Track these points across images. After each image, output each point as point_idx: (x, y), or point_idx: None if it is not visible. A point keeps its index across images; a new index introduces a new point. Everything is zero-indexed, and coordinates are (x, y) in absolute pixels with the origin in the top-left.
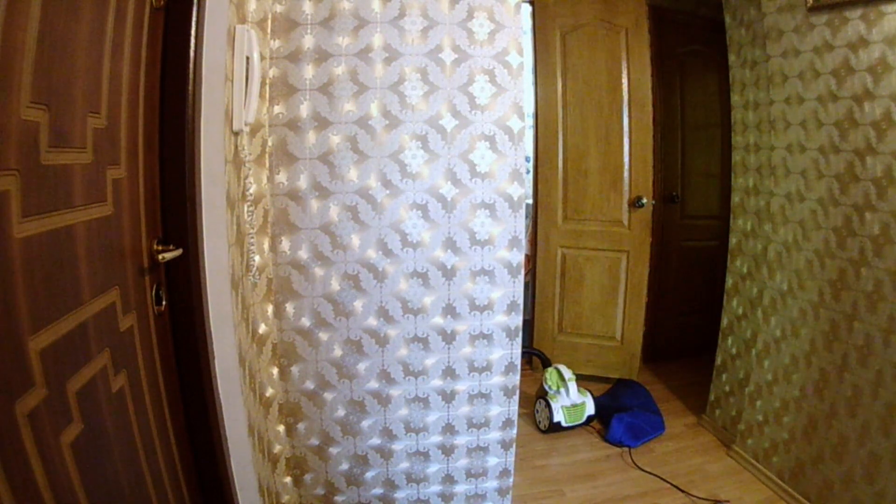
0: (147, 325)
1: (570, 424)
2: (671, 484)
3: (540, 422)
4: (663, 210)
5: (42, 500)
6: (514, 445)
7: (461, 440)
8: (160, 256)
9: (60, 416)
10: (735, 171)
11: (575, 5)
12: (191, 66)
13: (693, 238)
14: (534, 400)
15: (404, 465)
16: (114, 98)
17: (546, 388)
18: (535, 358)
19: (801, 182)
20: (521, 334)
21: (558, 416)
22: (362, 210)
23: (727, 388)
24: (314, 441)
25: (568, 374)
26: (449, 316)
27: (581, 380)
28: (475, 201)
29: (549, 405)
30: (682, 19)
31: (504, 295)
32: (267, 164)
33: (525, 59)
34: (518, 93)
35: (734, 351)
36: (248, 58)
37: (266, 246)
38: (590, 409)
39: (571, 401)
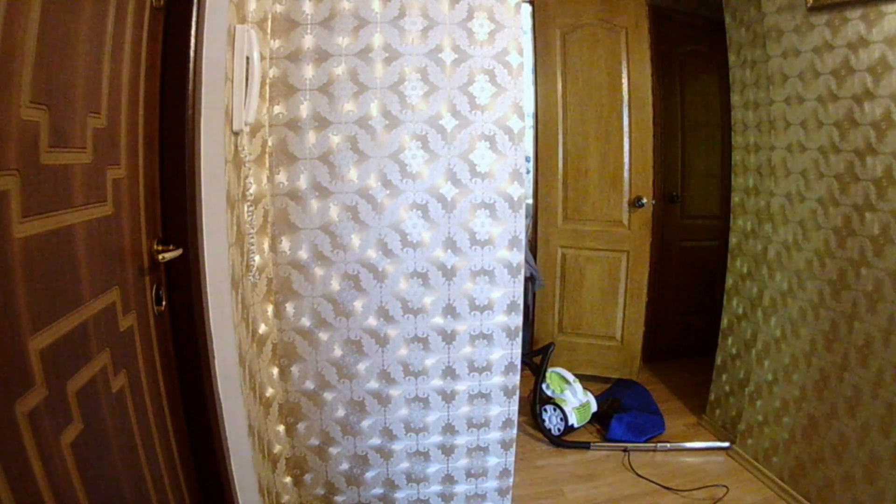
0: (147, 325)
1: (580, 424)
2: (664, 487)
3: (551, 428)
4: (663, 210)
5: (42, 500)
6: (514, 445)
7: (461, 440)
8: (160, 256)
9: (60, 416)
10: (735, 171)
11: (575, 5)
12: (191, 66)
13: (693, 238)
14: (531, 405)
15: (404, 465)
16: (114, 98)
17: (549, 393)
18: (533, 359)
19: (801, 182)
20: (521, 334)
21: (572, 419)
22: (362, 210)
23: (727, 388)
24: (314, 441)
25: (570, 375)
26: (449, 316)
27: (581, 380)
28: (475, 201)
29: (560, 409)
30: (682, 19)
31: (504, 295)
32: (267, 164)
33: (525, 59)
34: (518, 93)
35: (734, 351)
36: (248, 58)
37: (266, 246)
38: (594, 406)
39: (579, 400)
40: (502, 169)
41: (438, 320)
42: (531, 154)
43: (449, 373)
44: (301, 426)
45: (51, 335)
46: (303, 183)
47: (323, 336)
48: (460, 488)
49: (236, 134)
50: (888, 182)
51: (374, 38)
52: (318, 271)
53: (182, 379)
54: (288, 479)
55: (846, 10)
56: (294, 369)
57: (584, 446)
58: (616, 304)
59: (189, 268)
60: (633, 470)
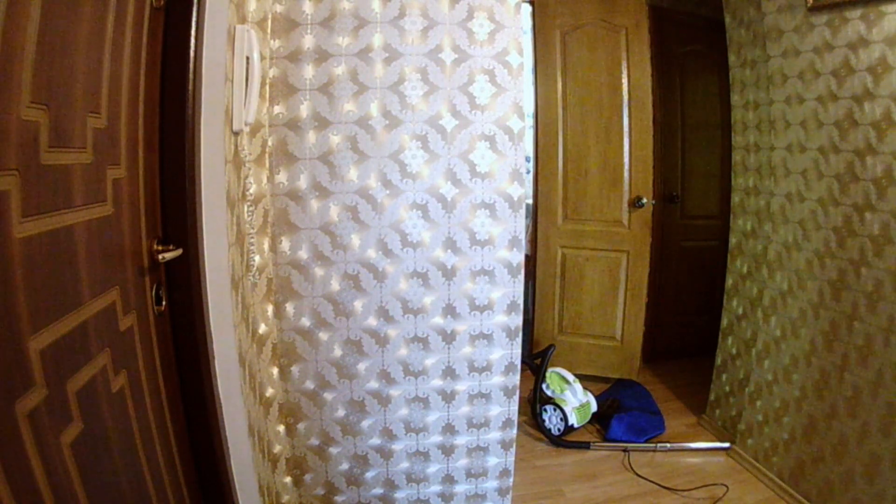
0: (147, 325)
1: (580, 424)
2: (664, 487)
3: (551, 428)
4: (663, 210)
5: (42, 500)
6: (514, 445)
7: (461, 440)
8: (160, 256)
9: (60, 415)
10: (735, 171)
11: (575, 5)
12: (191, 66)
13: (693, 238)
14: (531, 405)
15: (404, 465)
16: (114, 98)
17: (549, 393)
18: (535, 361)
19: (801, 182)
20: (521, 334)
21: (572, 419)
22: (362, 210)
23: (727, 388)
24: (314, 441)
25: (570, 376)
26: (449, 316)
27: (581, 380)
28: (475, 201)
29: (561, 409)
30: (682, 19)
31: (504, 295)
32: (267, 164)
33: (525, 59)
34: (518, 93)
35: (734, 351)
36: (248, 58)
37: (266, 246)
38: (594, 406)
39: (579, 400)
40: (502, 169)
41: (438, 320)
42: (531, 154)
43: (449, 373)
44: (301, 426)
45: (51, 335)
46: (303, 183)
47: (323, 336)
48: (460, 488)
49: (236, 134)
50: (888, 182)
51: (374, 38)
52: (318, 271)
53: (182, 379)
54: (288, 479)
55: (846, 10)
56: (294, 369)
57: (584, 446)
58: (616, 304)
59: (189, 268)
60: (633, 470)
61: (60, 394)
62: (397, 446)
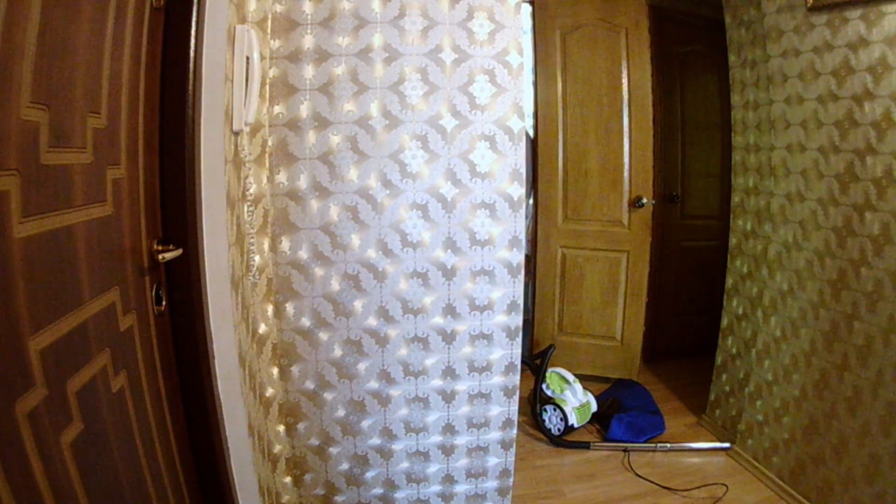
0: (147, 325)
1: (580, 424)
2: (664, 487)
3: (551, 428)
4: (663, 210)
5: (42, 500)
6: (514, 445)
7: (461, 440)
8: (160, 256)
9: (60, 415)
10: (735, 171)
11: (575, 5)
12: (191, 66)
13: (693, 238)
14: (531, 405)
15: (404, 465)
16: (114, 98)
17: (549, 393)
18: (535, 361)
19: (801, 182)
20: (521, 334)
21: (572, 419)
22: (362, 210)
23: (727, 388)
24: (314, 441)
25: (570, 376)
26: (449, 316)
27: (581, 380)
28: (475, 201)
29: (561, 409)
30: (682, 19)
31: (504, 295)
32: (267, 164)
33: (525, 59)
34: (518, 93)
35: (734, 351)
36: (248, 58)
37: (266, 246)
38: (594, 406)
39: (579, 400)
40: (502, 169)
41: (438, 320)
42: (531, 154)
43: (449, 373)
44: (301, 426)
45: (51, 335)
46: (303, 183)
47: (323, 336)
48: (460, 488)
49: (236, 134)
50: (888, 182)
51: (374, 38)
52: (318, 271)
53: (182, 379)
54: (288, 479)
55: (846, 10)
56: (294, 369)
57: (584, 446)
58: (616, 304)
59: (189, 268)
60: (632, 470)
61: (60, 394)
62: (397, 446)
